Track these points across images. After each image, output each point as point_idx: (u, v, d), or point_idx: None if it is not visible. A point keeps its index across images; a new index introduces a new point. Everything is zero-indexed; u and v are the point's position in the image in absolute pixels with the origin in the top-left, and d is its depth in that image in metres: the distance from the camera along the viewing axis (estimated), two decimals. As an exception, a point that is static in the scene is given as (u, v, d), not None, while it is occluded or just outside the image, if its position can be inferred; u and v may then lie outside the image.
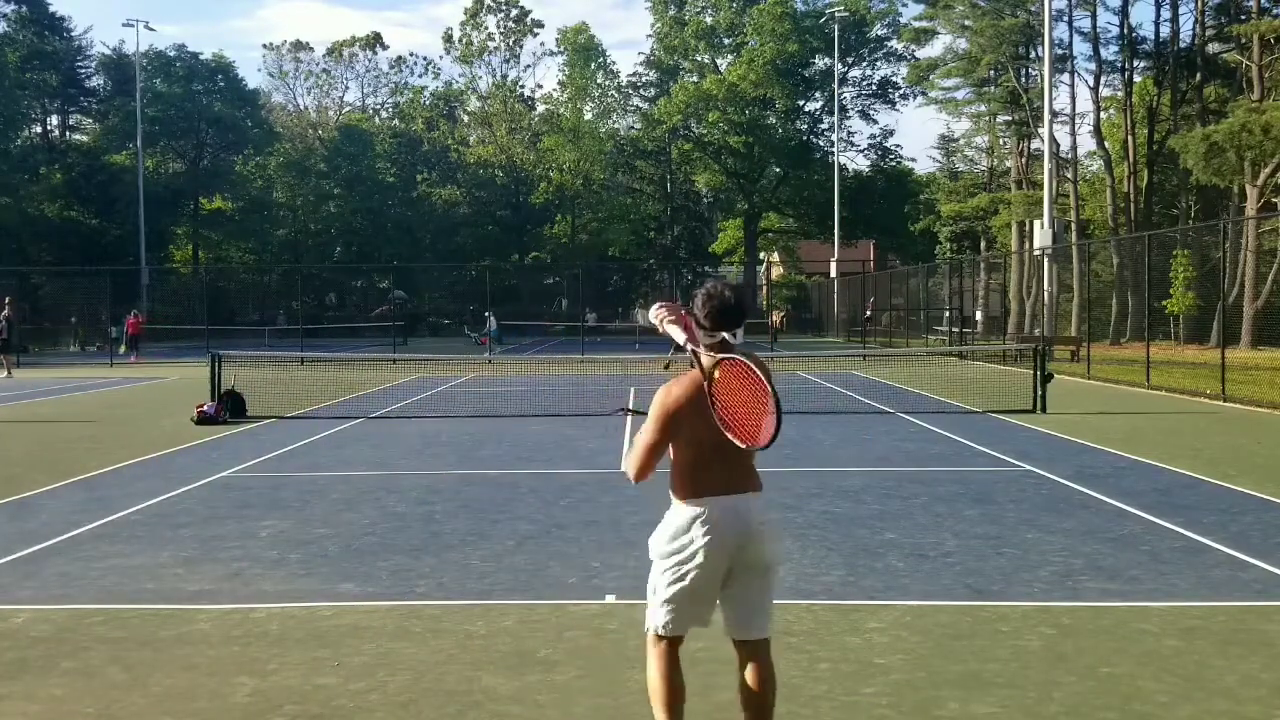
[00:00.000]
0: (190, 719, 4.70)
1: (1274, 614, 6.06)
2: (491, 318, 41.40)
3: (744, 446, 3.72)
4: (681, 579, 3.83)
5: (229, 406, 16.65)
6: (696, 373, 3.85)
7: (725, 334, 3.85)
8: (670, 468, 3.95)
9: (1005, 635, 5.68)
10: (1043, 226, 32.22)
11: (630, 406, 17.82)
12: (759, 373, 3.74)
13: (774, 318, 50.35)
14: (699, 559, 3.80)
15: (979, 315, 44.20)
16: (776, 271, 77.24)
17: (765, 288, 72.37)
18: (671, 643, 3.92)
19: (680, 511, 3.87)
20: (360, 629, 5.89)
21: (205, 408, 16.36)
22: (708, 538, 3.79)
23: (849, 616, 6.05)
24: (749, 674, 3.97)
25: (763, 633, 3.95)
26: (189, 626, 5.98)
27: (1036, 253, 35.20)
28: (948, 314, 41.13)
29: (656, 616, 3.90)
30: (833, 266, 56.78)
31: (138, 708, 4.80)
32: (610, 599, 6.41)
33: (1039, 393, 17.07)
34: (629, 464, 3.95)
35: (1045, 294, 33.39)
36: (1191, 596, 6.41)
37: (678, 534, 3.84)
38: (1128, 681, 4.99)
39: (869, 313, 47.03)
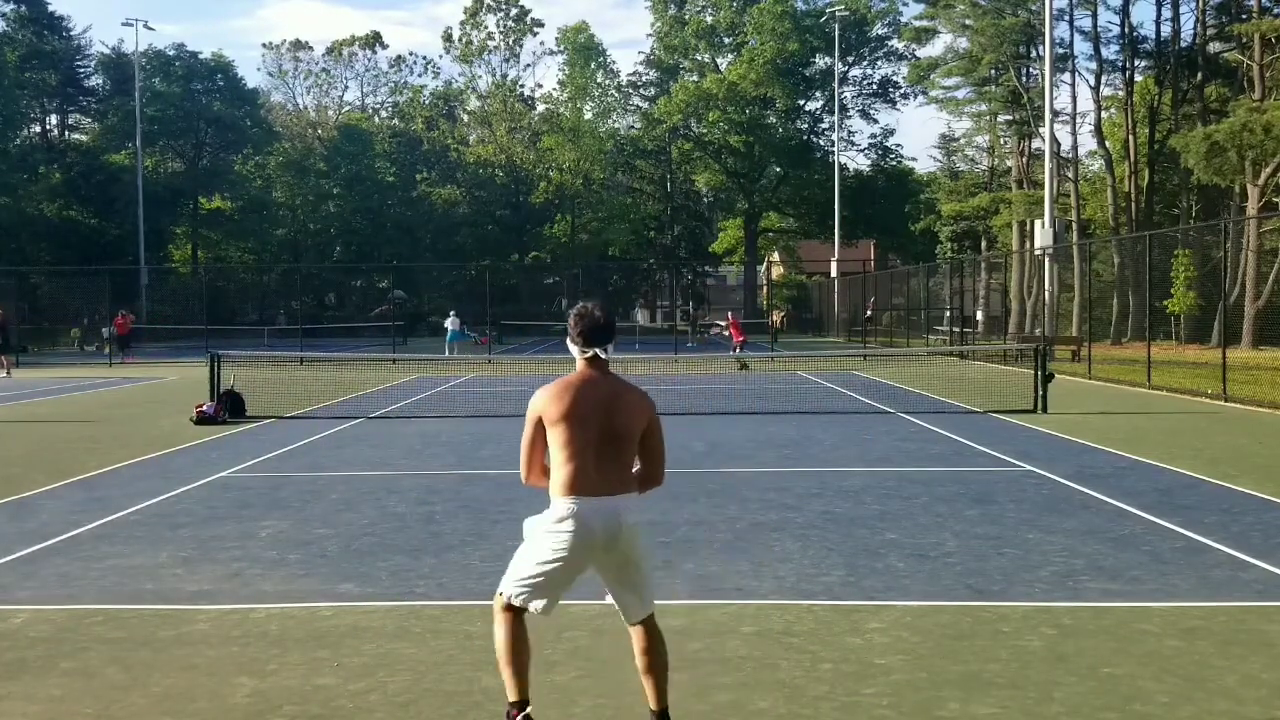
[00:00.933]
0: (190, 719, 4.69)
1: (1275, 614, 6.05)
2: (454, 317, 37.33)
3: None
4: (544, 564, 4.15)
5: (228, 406, 16.64)
6: (570, 376, 4.23)
7: (597, 350, 4.22)
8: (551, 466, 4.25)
9: (1006, 636, 5.67)
10: (1043, 226, 32.20)
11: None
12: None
13: (774, 317, 50.41)
14: (564, 553, 4.12)
15: (980, 315, 44.19)
16: (777, 271, 77.24)
17: (765, 287, 72.40)
18: (518, 612, 4.25)
19: (556, 506, 4.17)
20: (360, 629, 5.88)
21: (204, 408, 16.35)
22: (575, 535, 4.10)
23: (850, 617, 6.04)
24: (643, 642, 4.30)
25: (647, 611, 4.31)
26: (188, 627, 5.97)
27: (1037, 252, 35.18)
28: (948, 314, 41.12)
29: (510, 586, 4.23)
30: (833, 266, 56.76)
31: (137, 708, 4.79)
32: (610, 599, 6.38)
33: (1040, 393, 17.06)
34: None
35: (1046, 294, 33.37)
36: (1192, 597, 6.40)
37: (552, 526, 4.14)
38: (1128, 682, 4.98)
39: (869, 312, 47.02)
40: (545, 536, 4.15)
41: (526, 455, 4.29)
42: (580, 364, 4.28)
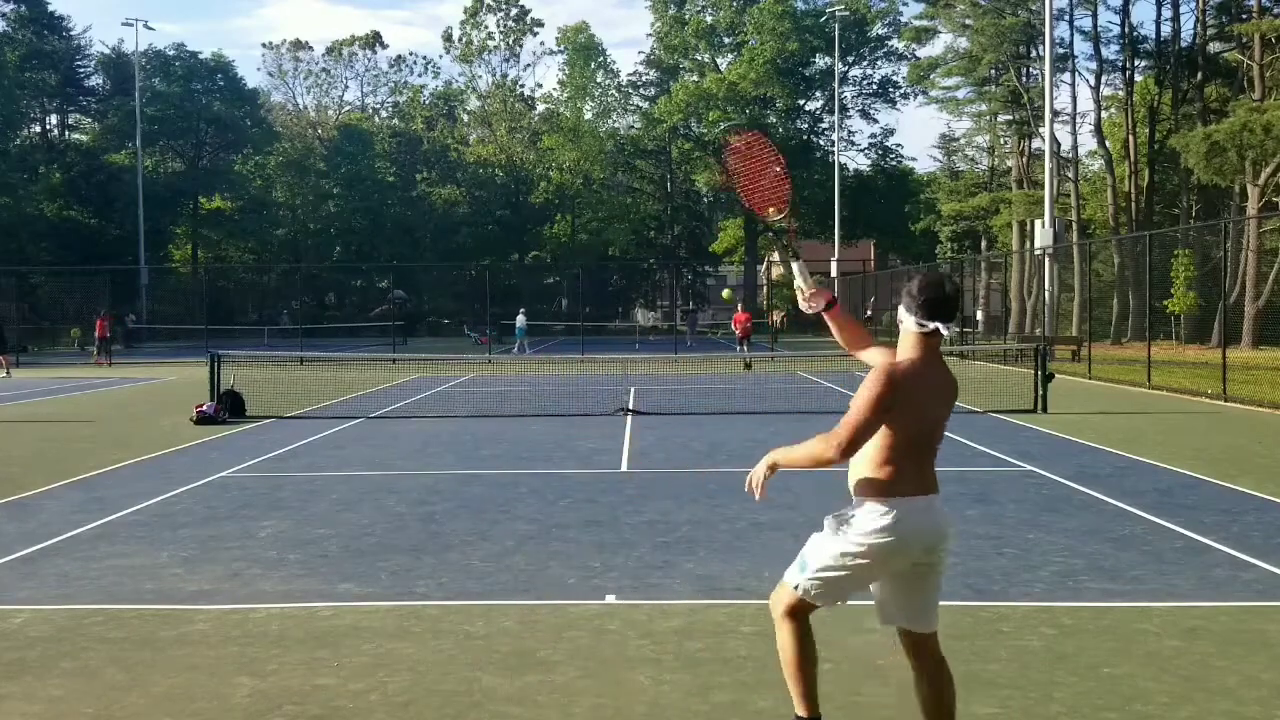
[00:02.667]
0: (190, 719, 4.69)
1: (1275, 614, 6.04)
2: (522, 316, 40.88)
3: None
4: (854, 568, 3.74)
5: (228, 406, 16.64)
6: (918, 355, 3.72)
7: (939, 325, 3.72)
8: (864, 460, 3.73)
9: (1006, 635, 5.67)
10: (1044, 226, 32.20)
11: (630, 406, 17.81)
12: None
13: (774, 317, 50.52)
14: (880, 559, 3.72)
15: (980, 315, 44.19)
16: (777, 271, 77.22)
17: (765, 287, 72.39)
18: (804, 614, 3.89)
19: (876, 511, 3.71)
20: (360, 629, 5.88)
21: (204, 407, 16.35)
22: (900, 540, 3.69)
23: (850, 616, 6.03)
24: (930, 666, 3.89)
25: (933, 625, 3.89)
26: (188, 626, 5.97)
27: (1037, 252, 35.18)
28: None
29: (805, 582, 3.83)
30: (833, 266, 56.78)
31: (137, 708, 4.79)
32: (610, 599, 6.40)
33: (1040, 392, 17.06)
34: (837, 441, 3.62)
35: (1046, 294, 33.37)
36: (1193, 597, 6.39)
37: (870, 533, 3.70)
38: (1129, 682, 4.98)
39: (869, 312, 47.04)
40: (860, 538, 3.71)
41: (862, 432, 3.61)
42: (917, 341, 3.73)
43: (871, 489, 3.73)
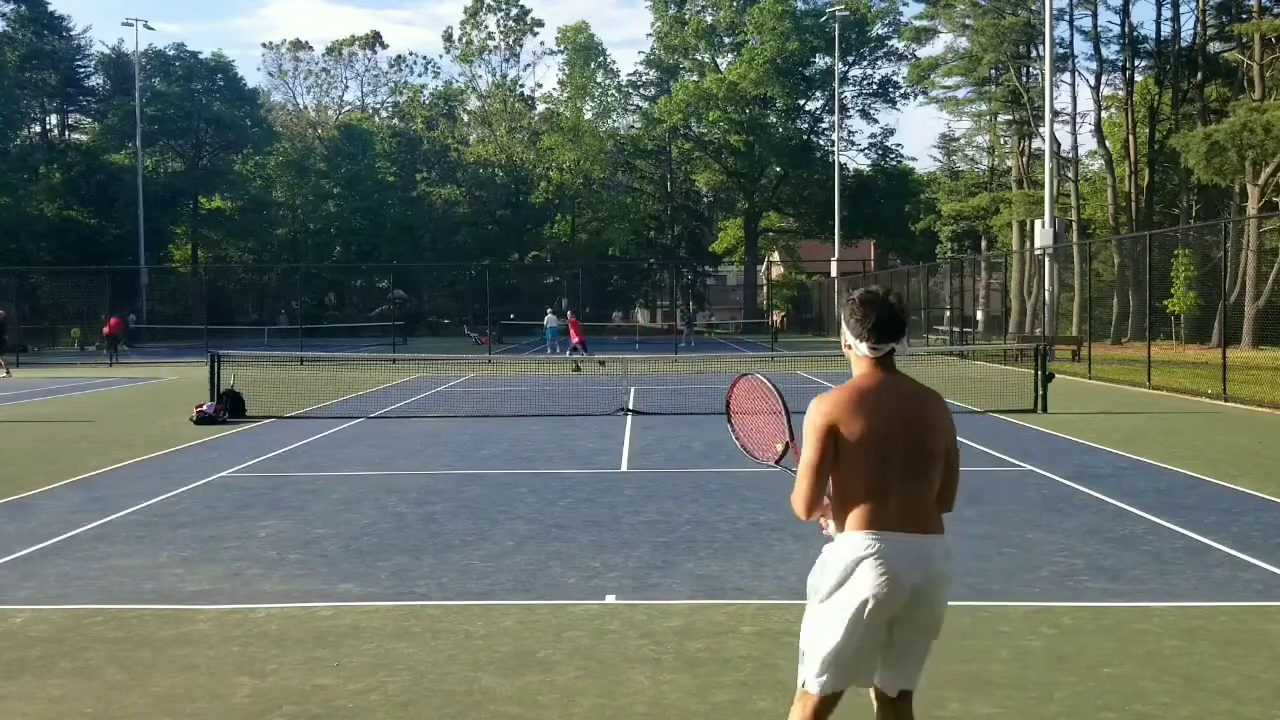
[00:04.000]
0: (190, 719, 4.68)
1: (1275, 614, 6.04)
2: (552, 315, 40.46)
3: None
4: (849, 623, 3.29)
5: (228, 406, 16.64)
6: (861, 380, 3.44)
7: (893, 344, 3.44)
8: (839, 497, 3.40)
9: (1006, 635, 5.67)
10: (1044, 226, 32.21)
11: (630, 406, 17.81)
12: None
13: (774, 317, 50.56)
14: (868, 607, 3.28)
15: (980, 315, 44.19)
16: (777, 271, 77.24)
17: (765, 287, 72.44)
18: (825, 706, 3.40)
19: (848, 546, 3.33)
20: (360, 629, 5.88)
21: (204, 407, 16.35)
22: (878, 583, 3.26)
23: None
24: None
25: (915, 684, 3.49)
26: (188, 626, 5.97)
27: (1037, 252, 35.18)
28: (948, 313, 41.15)
29: (808, 673, 3.38)
30: (833, 266, 56.79)
31: (137, 708, 4.79)
32: (610, 599, 6.40)
33: (1040, 392, 17.06)
34: (795, 498, 3.43)
35: (1046, 293, 33.37)
36: (1193, 597, 6.40)
37: (849, 564, 3.30)
38: (1129, 682, 4.98)
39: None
40: (840, 593, 3.30)
41: (814, 483, 3.36)
42: (865, 365, 3.45)
43: (849, 523, 3.35)
